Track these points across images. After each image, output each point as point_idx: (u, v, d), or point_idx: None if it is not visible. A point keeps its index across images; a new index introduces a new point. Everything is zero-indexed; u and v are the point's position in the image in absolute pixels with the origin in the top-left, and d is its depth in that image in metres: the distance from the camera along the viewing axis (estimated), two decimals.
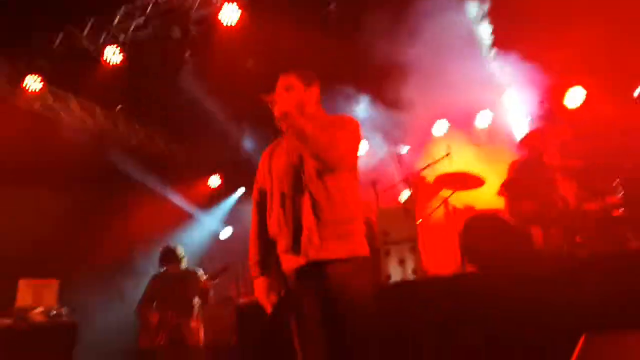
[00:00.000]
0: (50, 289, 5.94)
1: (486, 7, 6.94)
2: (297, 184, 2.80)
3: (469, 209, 6.04)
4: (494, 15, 6.95)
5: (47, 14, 7.20)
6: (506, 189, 5.72)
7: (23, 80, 8.07)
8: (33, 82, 8.07)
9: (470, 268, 5.09)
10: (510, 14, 6.61)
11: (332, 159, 2.73)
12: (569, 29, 6.36)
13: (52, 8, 7.05)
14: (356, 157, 2.95)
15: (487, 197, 6.29)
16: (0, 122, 8.06)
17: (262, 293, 2.94)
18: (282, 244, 2.83)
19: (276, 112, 2.75)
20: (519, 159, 5.96)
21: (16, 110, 8.29)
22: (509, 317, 4.13)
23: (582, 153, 5.58)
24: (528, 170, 5.69)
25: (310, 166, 2.78)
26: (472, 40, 6.98)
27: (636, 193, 4.93)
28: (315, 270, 2.73)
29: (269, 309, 2.90)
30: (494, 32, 7.04)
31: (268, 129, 3.12)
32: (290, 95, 2.91)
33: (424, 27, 6.58)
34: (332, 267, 2.71)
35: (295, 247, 2.76)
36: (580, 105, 7.14)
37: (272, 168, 2.96)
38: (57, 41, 8.01)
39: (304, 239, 2.73)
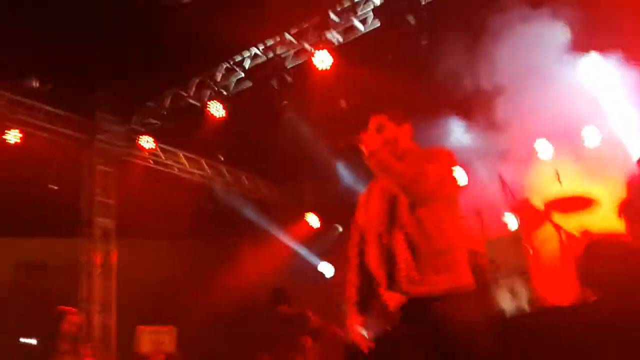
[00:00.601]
0: (168, 336, 6.20)
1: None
2: (392, 221, 2.78)
3: (585, 233, 5.67)
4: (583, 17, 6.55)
5: (156, 77, 7.88)
6: (625, 210, 5.34)
7: (138, 139, 8.80)
8: (146, 142, 8.78)
9: (591, 296, 4.75)
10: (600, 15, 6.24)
11: (422, 190, 2.67)
12: None
13: (159, 71, 7.69)
14: (451, 187, 2.87)
15: (602, 220, 5.89)
16: (121, 179, 8.85)
17: (359, 333, 2.92)
18: (383, 283, 2.81)
19: (365, 151, 2.76)
20: (638, 177, 5.55)
21: (133, 168, 9.02)
22: (637, 348, 3.79)
23: None
24: None
25: (402, 201, 2.75)
26: (560, 47, 6.63)
27: None
28: (418, 307, 2.66)
29: (365, 349, 2.87)
30: (584, 34, 6.60)
31: (363, 167, 3.16)
32: (381, 135, 2.91)
33: (507, 43, 6.41)
34: (434, 302, 2.63)
35: (395, 284, 2.72)
36: None
37: (369, 209, 2.97)
38: (167, 102, 8.68)
39: (402, 277, 2.68)
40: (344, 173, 9.40)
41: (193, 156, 9.87)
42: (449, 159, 2.86)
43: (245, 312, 8.40)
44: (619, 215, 5.37)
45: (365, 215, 3.01)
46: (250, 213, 9.85)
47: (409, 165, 2.71)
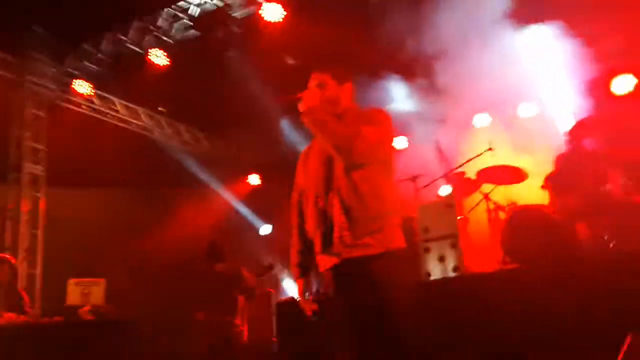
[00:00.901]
0: (98, 288, 6.11)
1: None
2: (328, 183, 2.75)
3: (512, 204, 5.86)
4: None
5: (92, 17, 7.46)
6: (551, 182, 5.51)
7: (71, 83, 8.40)
8: (81, 87, 8.38)
9: (511, 265, 4.94)
10: None
11: (357, 152, 2.64)
12: (618, 13, 6.06)
13: (96, 10, 7.28)
14: (387, 150, 2.84)
15: (530, 192, 6.09)
16: (52, 125, 8.46)
17: (302, 295, 2.94)
18: (318, 245, 2.80)
19: (301, 107, 2.71)
20: (565, 152, 5.72)
21: (66, 113, 8.63)
22: (552, 316, 3.97)
23: (631, 143, 5.33)
24: (575, 162, 5.45)
25: (338, 163, 2.72)
26: (502, 15, 6.68)
27: None
28: (349, 269, 2.68)
29: (308, 311, 2.89)
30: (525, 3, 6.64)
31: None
32: (322, 92, 2.84)
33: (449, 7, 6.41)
34: (366, 264, 2.65)
35: (329, 247, 2.72)
36: (629, 93, 6.81)
37: (307, 169, 2.93)
38: (103, 45, 8.28)
39: (335, 238, 2.69)
40: (288, 131, 9.30)
41: (131, 105, 9.52)
42: (387, 121, 2.83)
43: (180, 266, 8.30)
44: (545, 187, 5.56)
45: (303, 176, 2.97)
46: (190, 165, 9.66)
47: (346, 125, 2.69)
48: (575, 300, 3.93)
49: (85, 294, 6.05)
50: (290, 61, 8.29)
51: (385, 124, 2.81)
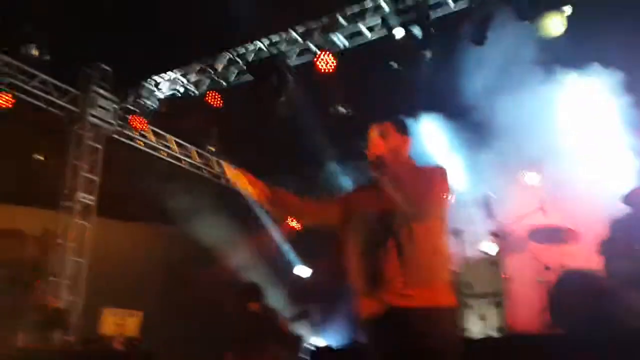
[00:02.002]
0: (133, 320, 6.13)
1: None
2: (386, 230, 2.73)
3: (562, 266, 5.60)
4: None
5: (155, 58, 7.82)
6: (605, 247, 5.27)
7: (130, 120, 8.73)
8: (137, 122, 8.70)
9: (557, 329, 4.68)
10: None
11: (423, 207, 2.70)
12: None
13: (159, 51, 7.63)
14: (445, 207, 2.86)
15: (581, 255, 5.82)
16: (108, 157, 8.77)
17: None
18: (361, 286, 2.75)
19: (371, 156, 2.79)
20: (622, 216, 5.47)
21: (121, 147, 8.95)
22: None
23: None
24: (630, 228, 5.21)
25: (401, 213, 2.71)
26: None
27: None
28: (395, 317, 2.62)
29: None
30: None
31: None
32: (385, 142, 2.90)
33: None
34: (413, 315, 2.60)
35: (375, 292, 2.67)
36: None
37: (359, 209, 2.90)
38: (162, 85, 8.61)
39: (386, 284, 2.65)
40: (332, 177, 9.33)
41: (184, 143, 9.79)
42: (447, 180, 2.86)
43: (217, 305, 8.26)
44: (598, 252, 5.30)
45: (350, 212, 2.93)
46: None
47: (413, 184, 2.71)
48: None
49: (119, 324, 6.09)
50: (342, 110, 8.38)
51: (446, 182, 2.85)
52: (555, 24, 5.74)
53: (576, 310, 4.69)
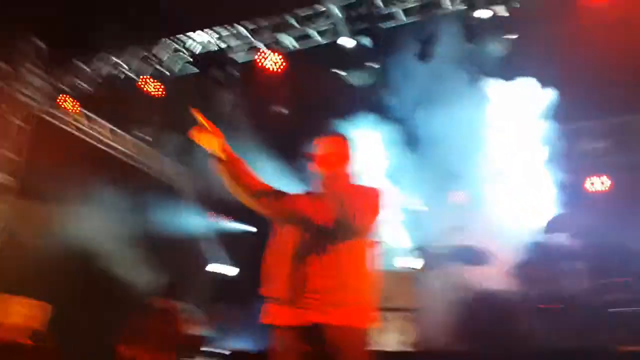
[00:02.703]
0: (41, 312, 5.82)
1: None
2: (321, 242, 2.71)
3: (479, 285, 5.72)
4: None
5: (91, 35, 7.49)
6: (520, 270, 5.47)
7: (62, 100, 8.33)
8: (71, 105, 8.33)
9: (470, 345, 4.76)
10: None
11: (360, 226, 2.74)
12: None
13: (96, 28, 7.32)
14: (377, 227, 2.88)
15: (499, 276, 5.95)
16: (35, 138, 8.33)
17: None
18: (282, 292, 2.69)
19: (326, 170, 2.87)
20: (539, 241, 5.67)
21: (50, 128, 8.53)
22: None
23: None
24: (546, 254, 5.42)
25: (338, 228, 2.72)
26: None
27: None
28: (311, 332, 2.62)
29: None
30: None
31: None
32: (329, 155, 2.93)
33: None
34: (329, 332, 2.60)
35: (296, 302, 2.64)
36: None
37: (300, 214, 2.84)
38: (97, 66, 8.26)
39: (308, 296, 2.63)
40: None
41: (119, 130, 9.46)
42: (379, 200, 2.88)
43: (122, 299, 7.85)
44: (513, 275, 5.46)
45: (299, 211, 2.87)
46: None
47: (351, 201, 2.76)
48: None
49: (26, 315, 5.78)
50: (283, 111, 8.31)
51: (380, 204, 2.87)
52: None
53: (488, 329, 4.78)
